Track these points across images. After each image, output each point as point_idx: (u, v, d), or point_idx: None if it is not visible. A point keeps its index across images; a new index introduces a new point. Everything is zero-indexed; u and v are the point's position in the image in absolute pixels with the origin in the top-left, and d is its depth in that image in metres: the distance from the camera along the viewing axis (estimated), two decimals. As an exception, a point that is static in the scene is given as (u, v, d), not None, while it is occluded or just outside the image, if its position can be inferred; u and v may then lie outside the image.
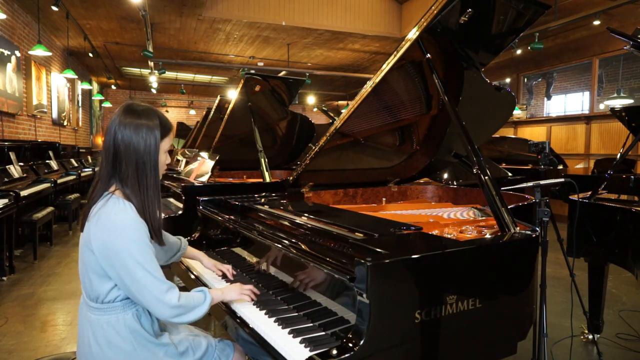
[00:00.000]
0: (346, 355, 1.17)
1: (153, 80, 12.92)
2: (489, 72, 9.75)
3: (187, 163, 4.34)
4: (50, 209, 5.53)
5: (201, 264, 1.95)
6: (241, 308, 1.58)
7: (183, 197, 3.18)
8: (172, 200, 3.76)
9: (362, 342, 1.19)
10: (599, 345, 2.89)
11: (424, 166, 2.82)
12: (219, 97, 5.77)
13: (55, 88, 9.32)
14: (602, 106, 8.41)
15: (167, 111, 17.34)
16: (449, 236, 1.77)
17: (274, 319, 1.48)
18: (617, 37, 2.81)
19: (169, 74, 12.93)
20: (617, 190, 3.04)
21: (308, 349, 1.27)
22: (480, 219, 2.30)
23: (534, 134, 9.40)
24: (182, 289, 1.49)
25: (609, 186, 3.02)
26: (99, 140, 14.86)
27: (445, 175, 4.08)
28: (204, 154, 3.93)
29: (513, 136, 9.07)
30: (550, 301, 3.61)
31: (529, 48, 7.52)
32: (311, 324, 1.43)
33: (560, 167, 7.51)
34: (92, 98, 14.11)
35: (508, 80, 10.36)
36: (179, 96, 17.18)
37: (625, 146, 2.99)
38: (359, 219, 1.93)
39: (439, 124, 2.59)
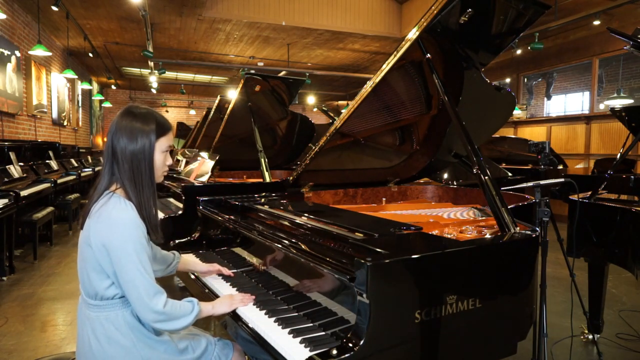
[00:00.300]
0: (346, 355, 1.17)
1: (153, 80, 12.92)
2: (489, 72, 9.75)
3: (187, 163, 4.34)
4: (50, 209, 5.53)
5: (199, 271, 1.94)
6: (241, 308, 1.58)
7: (183, 197, 3.18)
8: (172, 200, 3.76)
9: (362, 342, 1.19)
10: (599, 345, 2.89)
11: (424, 166, 2.82)
12: (219, 97, 5.77)
13: (55, 88, 9.32)
14: (602, 106, 8.41)
15: (167, 111, 17.35)
16: (449, 236, 1.77)
17: (274, 319, 1.48)
18: (617, 37, 2.82)
19: (169, 74, 12.93)
20: (617, 190, 3.04)
21: (308, 349, 1.27)
22: (480, 219, 2.30)
23: (534, 134, 9.40)
24: (182, 289, 1.49)
25: (609, 186, 3.02)
26: (99, 140, 14.87)
27: (445, 175, 4.08)
28: (204, 154, 3.93)
29: (513, 136, 9.07)
30: (550, 301, 3.61)
31: (529, 48, 7.53)
32: (311, 324, 1.43)
33: (560, 167, 7.51)
34: (92, 98, 14.10)
35: (508, 80, 10.36)
36: (179, 96, 17.18)
37: (625, 146, 2.99)
38: (359, 219, 1.93)
39: (439, 124, 2.59)
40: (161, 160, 1.49)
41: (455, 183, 3.93)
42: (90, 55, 10.03)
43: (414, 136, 2.78)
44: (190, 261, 1.95)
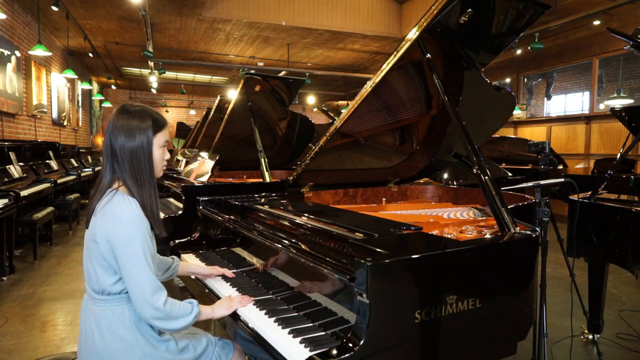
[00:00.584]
0: (346, 355, 1.17)
1: (153, 80, 12.91)
2: (489, 72, 9.76)
3: (187, 163, 4.34)
4: (50, 209, 5.53)
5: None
6: (241, 308, 1.58)
7: (183, 197, 3.18)
8: (172, 200, 3.76)
9: (362, 342, 1.19)
10: (599, 345, 2.89)
11: (424, 166, 2.82)
12: (219, 97, 5.77)
13: (55, 88, 9.32)
14: (602, 106, 8.41)
15: (167, 111, 17.34)
16: (449, 236, 1.77)
17: (274, 319, 1.48)
18: (617, 37, 2.82)
19: (169, 74, 12.93)
20: (617, 190, 3.04)
21: (308, 349, 1.27)
22: (480, 219, 2.30)
23: (534, 134, 9.40)
24: (182, 289, 1.50)
25: (609, 186, 3.02)
26: (99, 140, 14.86)
27: (445, 175, 4.08)
28: (204, 154, 3.93)
29: (513, 136, 9.07)
30: (550, 301, 3.61)
31: (529, 48, 7.52)
32: (311, 324, 1.44)
33: (560, 167, 7.51)
34: (92, 98, 14.10)
35: (508, 80, 10.35)
36: (179, 96, 17.18)
37: (625, 146, 2.99)
38: (359, 219, 1.93)
39: (439, 124, 2.59)
40: (160, 155, 1.52)
41: (455, 183, 3.93)
42: (90, 55, 10.03)
43: (414, 136, 2.78)
44: (191, 265, 1.95)
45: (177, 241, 2.43)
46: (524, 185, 2.16)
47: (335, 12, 9.01)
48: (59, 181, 6.11)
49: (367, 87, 2.17)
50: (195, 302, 1.48)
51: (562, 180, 2.14)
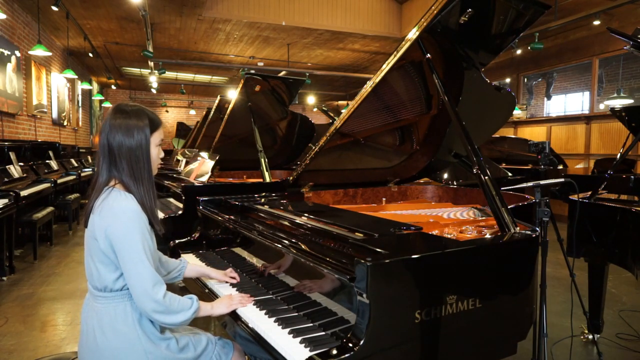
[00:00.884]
0: (346, 355, 1.17)
1: (153, 80, 12.91)
2: (489, 72, 9.75)
3: (187, 163, 4.34)
4: (50, 209, 5.53)
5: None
6: (241, 308, 1.58)
7: (183, 197, 3.18)
8: (172, 200, 3.76)
9: (362, 342, 1.19)
10: (599, 345, 2.89)
11: (424, 166, 2.82)
12: (219, 97, 5.77)
13: (55, 88, 9.32)
14: (602, 106, 8.41)
15: (167, 111, 17.35)
16: (449, 236, 1.77)
17: (274, 319, 1.48)
18: (617, 37, 2.82)
19: (169, 74, 12.93)
20: (617, 190, 3.04)
21: (308, 349, 1.27)
22: (480, 219, 2.30)
23: (534, 134, 9.40)
24: (182, 289, 1.50)
25: (609, 186, 3.02)
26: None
27: (445, 175, 4.08)
28: (204, 154, 3.93)
29: (513, 136, 9.07)
30: (550, 301, 3.61)
31: (529, 48, 7.52)
32: (311, 324, 1.44)
33: (560, 167, 7.51)
34: (92, 98, 14.11)
35: (508, 80, 10.35)
36: (179, 96, 17.18)
37: (625, 146, 2.99)
38: (359, 219, 1.93)
39: (439, 124, 2.59)
40: (156, 154, 1.54)
41: (455, 183, 3.93)
42: (90, 55, 10.03)
43: (414, 136, 2.78)
44: (205, 268, 1.91)
45: (177, 241, 2.42)
46: (524, 185, 2.16)
47: (335, 12, 9.01)
48: (59, 181, 6.11)
49: (367, 87, 2.17)
50: (195, 298, 1.49)
51: (562, 180, 2.14)
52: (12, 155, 5.16)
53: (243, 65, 11.67)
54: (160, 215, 3.23)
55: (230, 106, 4.16)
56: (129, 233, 1.37)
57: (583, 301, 2.47)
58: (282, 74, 10.74)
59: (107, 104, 14.90)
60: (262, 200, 2.51)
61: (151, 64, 10.76)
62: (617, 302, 3.80)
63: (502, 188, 2.48)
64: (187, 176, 3.83)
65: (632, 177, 3.02)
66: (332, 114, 6.77)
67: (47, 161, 6.72)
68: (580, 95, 9.29)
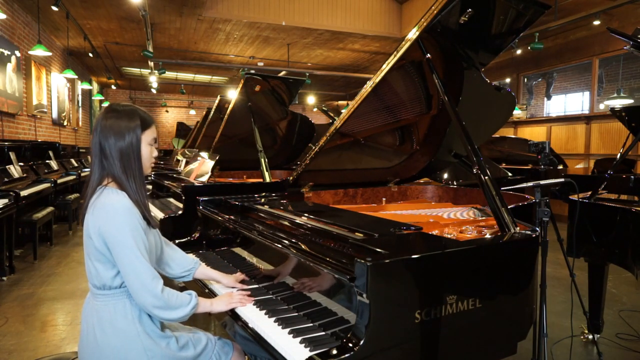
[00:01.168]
0: (346, 355, 1.17)
1: (153, 80, 12.91)
2: (489, 72, 9.75)
3: (187, 163, 4.34)
4: (50, 209, 5.53)
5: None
6: (241, 308, 1.58)
7: (183, 197, 3.18)
8: (172, 200, 3.76)
9: (362, 342, 1.19)
10: (599, 345, 2.89)
11: (424, 166, 2.82)
12: (219, 97, 5.77)
13: (55, 88, 9.32)
14: (602, 106, 8.41)
15: (167, 111, 17.35)
16: (449, 236, 1.77)
17: (274, 319, 1.48)
18: (617, 37, 2.82)
19: (169, 74, 12.93)
20: (617, 190, 3.04)
21: (308, 349, 1.27)
22: (480, 219, 2.30)
23: (534, 134, 9.40)
24: (182, 289, 1.50)
25: (609, 186, 3.02)
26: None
27: (445, 175, 4.09)
28: (204, 154, 3.93)
29: (513, 136, 9.07)
30: (550, 301, 3.61)
31: (529, 48, 7.53)
32: (311, 324, 1.44)
33: (560, 167, 7.52)
34: (92, 98, 14.10)
35: (508, 80, 10.35)
36: (179, 96, 17.17)
37: (625, 146, 2.99)
38: (359, 219, 1.93)
39: (439, 124, 2.59)
40: (148, 153, 1.55)
41: (455, 183, 3.93)
42: (90, 55, 10.03)
43: (414, 136, 2.78)
44: (211, 275, 1.83)
45: (177, 241, 2.42)
46: (524, 185, 2.16)
47: (335, 12, 9.01)
48: (59, 181, 6.11)
49: (367, 87, 2.17)
50: (193, 294, 1.49)
51: (562, 180, 2.14)
52: (12, 155, 5.16)
53: (243, 65, 11.67)
54: (160, 215, 3.23)
55: (230, 106, 4.15)
56: (121, 229, 1.38)
57: (583, 301, 2.47)
58: (282, 74, 10.74)
59: (107, 104, 14.88)
60: (262, 200, 2.51)
61: (151, 64, 10.76)
62: (617, 302, 3.80)
63: (502, 188, 2.48)
64: (187, 176, 3.83)
65: (632, 177, 3.02)
66: (332, 114, 6.77)
67: (47, 161, 6.72)
68: (580, 95, 9.29)
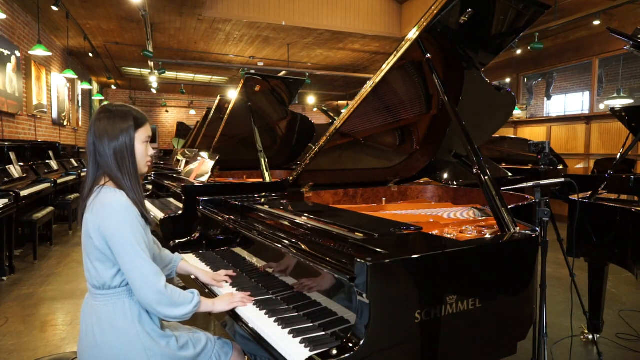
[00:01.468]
0: (346, 355, 1.17)
1: (153, 80, 12.91)
2: (489, 72, 9.75)
3: (187, 163, 4.34)
4: (50, 209, 5.53)
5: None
6: (241, 307, 1.58)
7: (183, 197, 3.18)
8: (172, 200, 3.77)
9: (362, 342, 1.19)
10: (599, 345, 2.89)
11: (424, 166, 2.81)
12: (219, 97, 5.77)
13: (55, 88, 9.32)
14: (602, 106, 8.41)
15: (167, 111, 17.34)
16: (449, 236, 1.77)
17: (274, 319, 1.48)
18: (617, 37, 2.82)
19: (169, 74, 12.93)
20: (617, 190, 3.04)
21: (308, 349, 1.27)
22: (480, 219, 2.30)
23: (534, 134, 9.40)
24: (182, 289, 1.50)
25: (609, 186, 3.02)
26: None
27: (445, 175, 4.08)
28: (204, 154, 3.93)
29: (513, 136, 9.07)
30: (550, 301, 3.61)
31: (529, 48, 7.53)
32: (311, 324, 1.44)
33: (560, 167, 7.51)
34: (92, 98, 14.11)
35: (508, 80, 10.35)
36: (179, 96, 17.17)
37: (625, 146, 2.99)
38: (359, 219, 1.93)
39: (439, 124, 2.59)
40: (143, 151, 1.56)
41: (455, 183, 3.93)
42: (90, 55, 10.03)
43: (414, 136, 2.78)
44: (193, 267, 1.92)
45: (177, 241, 2.42)
46: (524, 185, 2.16)
47: (335, 12, 9.01)
48: (59, 181, 6.11)
49: (367, 87, 2.17)
50: (196, 292, 1.49)
51: (562, 180, 2.14)
52: (12, 155, 5.16)
53: (243, 65, 11.67)
54: (160, 215, 3.23)
55: (230, 106, 4.16)
56: (120, 227, 1.39)
57: (583, 301, 2.47)
58: (282, 74, 10.74)
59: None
60: (262, 200, 2.51)
61: (151, 64, 10.76)
62: (617, 302, 3.80)
63: (502, 188, 2.48)
64: (187, 176, 3.83)
65: (632, 177, 3.02)
66: (332, 114, 6.77)
67: (47, 161, 6.72)
68: (580, 95, 9.29)
